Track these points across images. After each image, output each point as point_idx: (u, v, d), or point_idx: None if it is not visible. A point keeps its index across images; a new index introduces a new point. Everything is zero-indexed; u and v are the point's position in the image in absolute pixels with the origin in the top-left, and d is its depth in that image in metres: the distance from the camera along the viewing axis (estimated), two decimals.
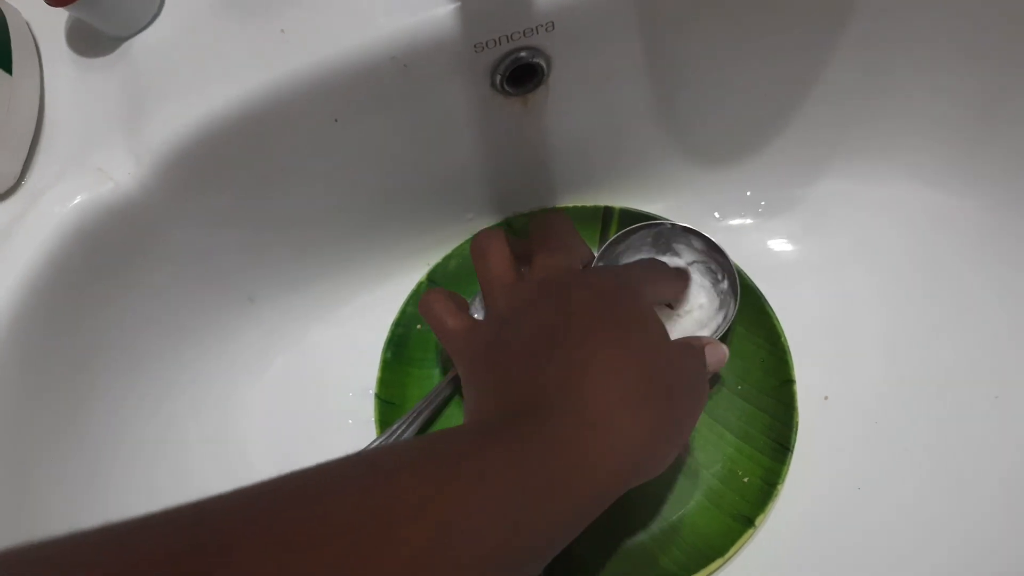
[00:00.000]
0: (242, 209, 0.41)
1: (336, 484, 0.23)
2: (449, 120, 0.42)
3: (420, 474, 0.24)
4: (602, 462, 0.28)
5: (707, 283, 0.45)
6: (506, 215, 0.50)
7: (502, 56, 0.38)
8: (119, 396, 0.41)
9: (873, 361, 0.45)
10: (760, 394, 0.44)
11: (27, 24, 0.40)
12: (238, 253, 0.44)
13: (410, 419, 0.43)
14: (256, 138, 0.38)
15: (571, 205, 0.50)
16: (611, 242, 0.45)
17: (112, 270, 0.38)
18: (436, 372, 0.47)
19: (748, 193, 0.50)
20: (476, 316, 0.41)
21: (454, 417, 0.45)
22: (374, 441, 0.43)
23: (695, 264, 0.46)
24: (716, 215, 0.50)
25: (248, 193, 0.41)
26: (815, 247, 0.49)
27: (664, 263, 0.41)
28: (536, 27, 0.37)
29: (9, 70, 0.37)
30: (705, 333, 0.44)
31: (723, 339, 0.44)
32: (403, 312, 0.47)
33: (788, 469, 0.41)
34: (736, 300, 0.43)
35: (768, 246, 0.49)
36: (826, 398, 0.44)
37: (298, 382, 0.48)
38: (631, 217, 0.48)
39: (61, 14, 0.40)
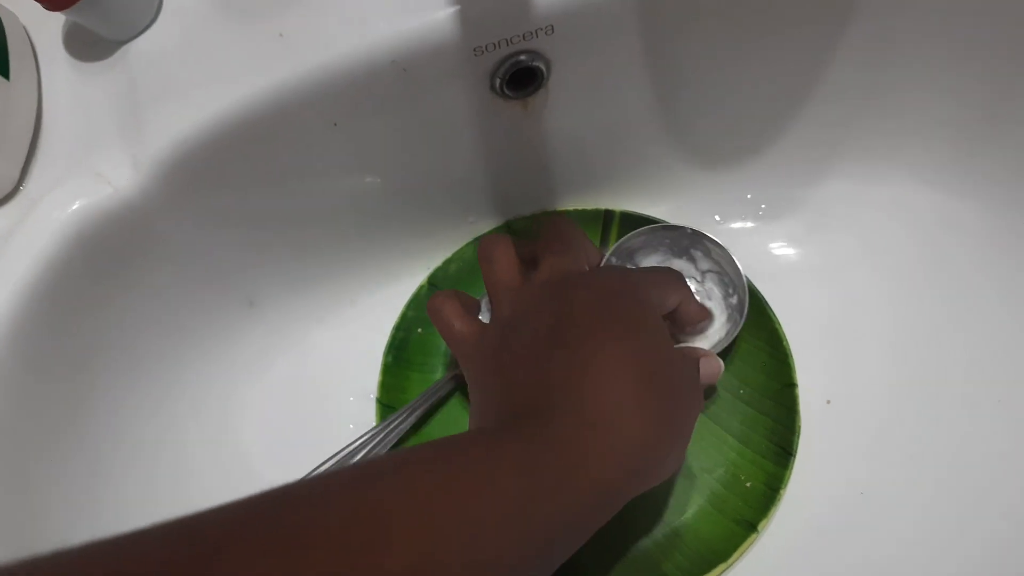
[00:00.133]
0: (241, 212, 0.41)
1: (333, 491, 0.23)
2: (449, 123, 0.41)
3: (418, 482, 0.24)
4: (603, 462, 0.28)
5: (718, 294, 0.45)
6: (507, 218, 0.50)
7: (502, 60, 0.38)
8: (119, 398, 0.41)
9: (875, 364, 0.45)
10: (762, 398, 0.44)
11: (24, 29, 0.40)
12: (238, 256, 0.44)
13: (407, 412, 0.43)
14: (255, 142, 0.37)
15: (572, 208, 0.50)
16: (628, 237, 0.45)
17: (112, 274, 0.38)
18: (437, 376, 0.46)
19: (749, 195, 0.50)
20: (484, 318, 0.40)
21: (452, 413, 0.45)
22: (371, 430, 0.42)
23: (710, 272, 0.46)
24: (717, 217, 0.50)
25: (247, 197, 0.41)
26: (817, 249, 0.49)
27: (676, 272, 0.40)
28: (536, 30, 0.37)
29: (7, 75, 0.37)
30: (704, 344, 0.44)
31: (724, 353, 0.44)
32: (404, 316, 0.47)
33: (791, 473, 0.41)
34: (742, 318, 0.43)
35: (769, 248, 0.49)
36: (828, 402, 0.44)
37: (298, 385, 0.48)
38: (632, 220, 0.48)
39: (58, 18, 0.40)
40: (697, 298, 0.44)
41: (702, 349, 0.40)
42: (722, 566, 0.39)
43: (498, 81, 0.39)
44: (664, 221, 0.47)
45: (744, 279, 0.43)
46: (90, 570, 0.19)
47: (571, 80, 0.41)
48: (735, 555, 0.39)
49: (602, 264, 0.45)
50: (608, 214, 0.49)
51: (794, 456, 0.41)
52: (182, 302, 0.42)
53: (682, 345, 0.42)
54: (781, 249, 0.49)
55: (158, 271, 0.40)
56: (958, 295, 0.45)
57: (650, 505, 0.42)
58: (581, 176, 0.49)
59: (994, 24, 0.40)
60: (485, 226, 0.50)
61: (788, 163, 0.49)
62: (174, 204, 0.38)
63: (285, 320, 0.48)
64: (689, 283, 0.46)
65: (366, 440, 0.42)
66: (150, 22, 0.38)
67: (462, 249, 0.49)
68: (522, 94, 0.41)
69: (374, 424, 0.44)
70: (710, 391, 0.45)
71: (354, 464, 0.26)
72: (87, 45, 0.39)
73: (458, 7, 0.36)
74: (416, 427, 0.44)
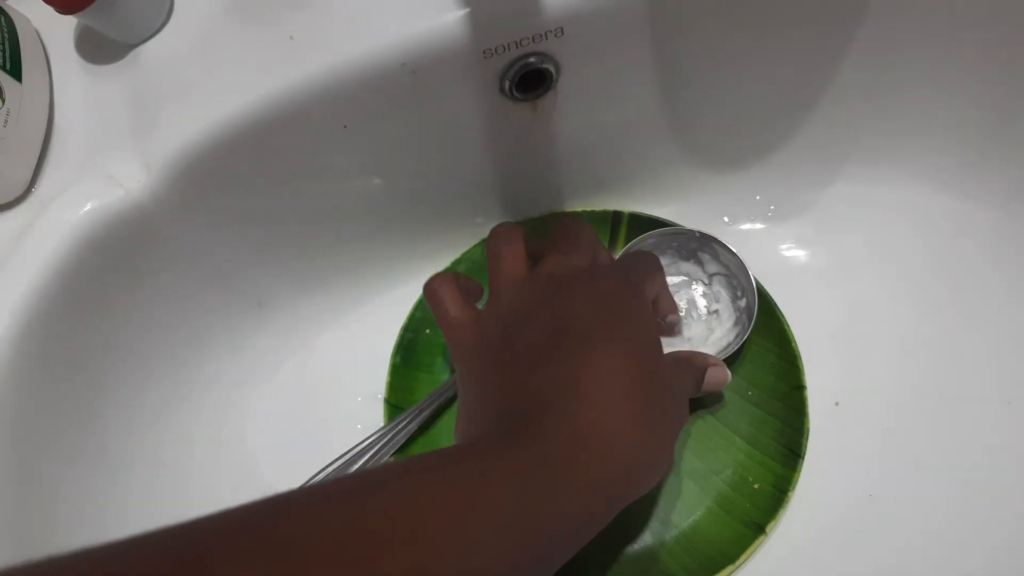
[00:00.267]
0: (251, 214, 0.42)
1: (329, 502, 0.23)
2: (458, 125, 0.42)
3: (413, 493, 0.24)
4: (596, 474, 0.28)
5: (726, 296, 0.45)
6: (515, 219, 0.50)
7: (511, 62, 0.38)
8: (127, 398, 0.41)
9: (884, 366, 0.45)
10: (771, 399, 0.44)
11: (36, 31, 0.40)
12: (247, 258, 0.44)
13: (415, 413, 0.43)
14: (265, 144, 0.38)
15: (580, 209, 0.50)
16: (637, 241, 0.46)
17: (121, 276, 0.38)
18: (445, 377, 0.46)
19: (758, 197, 0.50)
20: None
21: None
22: (377, 432, 0.43)
23: (717, 275, 0.46)
24: (726, 219, 0.50)
25: (257, 198, 0.41)
26: (826, 251, 0.49)
27: (657, 260, 0.40)
28: (545, 33, 0.37)
29: (19, 78, 0.37)
30: (712, 349, 0.44)
31: (734, 356, 0.44)
32: (412, 317, 0.47)
33: (799, 476, 0.41)
34: (751, 323, 0.43)
35: (778, 250, 0.49)
36: (837, 404, 0.44)
37: (307, 386, 0.48)
38: (640, 221, 0.48)
39: (70, 21, 0.40)
40: (674, 295, 0.45)
41: (712, 357, 0.40)
42: (730, 568, 0.39)
43: (507, 83, 0.39)
44: (673, 222, 0.47)
45: (753, 282, 0.43)
46: None
47: (580, 82, 0.41)
48: (743, 557, 0.39)
49: None
50: (616, 215, 0.49)
51: (802, 458, 0.41)
52: (191, 303, 0.43)
53: (690, 351, 0.42)
54: (790, 250, 0.49)
55: (168, 272, 0.40)
56: (967, 297, 0.45)
57: (657, 506, 0.42)
58: (589, 177, 0.49)
59: (1002, 23, 0.40)
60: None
61: (797, 164, 0.49)
62: (184, 206, 0.38)
63: (294, 321, 0.48)
64: (696, 286, 0.46)
65: (374, 441, 0.42)
66: (161, 25, 0.39)
67: (470, 250, 0.49)
68: (531, 96, 0.41)
69: (382, 425, 0.44)
70: (717, 397, 0.45)
71: (349, 474, 0.26)
72: (98, 48, 0.40)
73: (468, 9, 0.36)
74: (424, 428, 0.44)
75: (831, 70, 0.44)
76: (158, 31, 0.39)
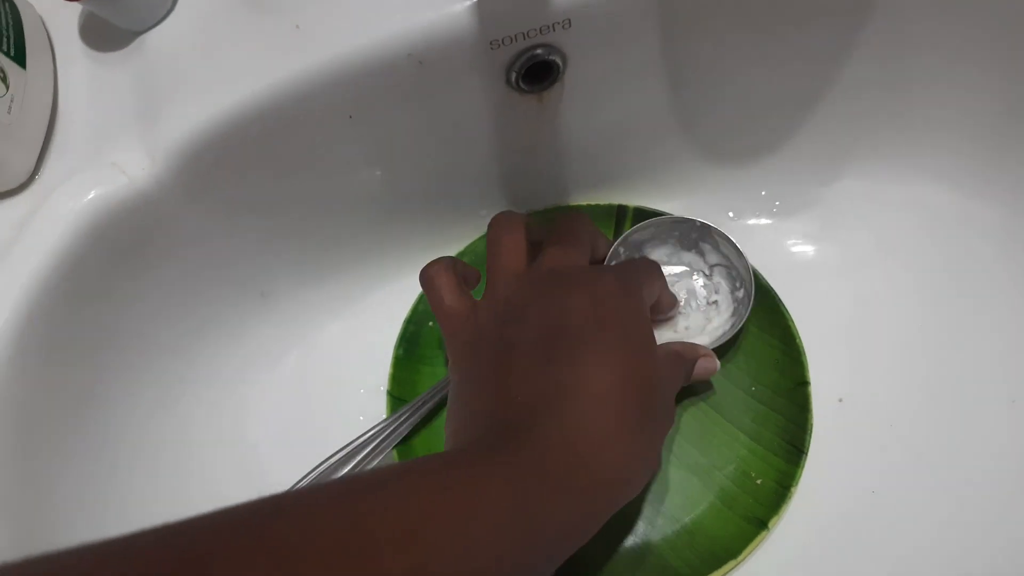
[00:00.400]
0: (255, 204, 0.41)
1: (330, 502, 0.23)
2: (464, 117, 0.41)
3: (412, 494, 0.24)
4: (590, 479, 0.28)
5: (726, 288, 0.45)
6: (520, 211, 0.50)
7: (518, 53, 0.38)
8: (128, 388, 0.41)
9: (888, 363, 0.45)
10: (774, 395, 0.44)
11: (41, 18, 0.40)
12: (251, 248, 0.44)
13: (417, 405, 0.43)
14: (270, 134, 0.37)
15: (585, 203, 0.50)
16: (637, 228, 0.45)
17: (125, 265, 0.38)
18: (447, 369, 0.46)
19: (763, 192, 0.50)
20: None
21: None
22: (379, 424, 0.42)
23: (718, 266, 0.46)
24: (731, 214, 0.50)
25: (261, 188, 0.41)
26: (832, 247, 0.48)
27: (656, 263, 0.40)
28: (553, 24, 0.37)
29: (23, 64, 0.37)
30: (707, 339, 0.44)
31: (729, 345, 0.44)
32: (415, 309, 0.47)
33: (802, 471, 0.41)
34: (747, 312, 0.43)
35: (784, 246, 0.49)
36: (841, 400, 0.44)
37: (310, 378, 0.48)
38: (645, 216, 0.48)
39: (75, 8, 0.40)
40: (673, 289, 0.45)
41: (702, 348, 0.40)
42: (732, 563, 0.39)
43: (514, 75, 0.39)
44: (677, 217, 0.47)
45: (751, 273, 0.43)
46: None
47: (587, 75, 0.41)
48: (745, 552, 0.39)
49: (609, 254, 0.45)
50: (621, 209, 0.49)
51: (805, 454, 0.41)
52: (194, 293, 0.42)
53: (682, 342, 0.42)
54: (795, 246, 0.49)
55: (171, 262, 0.40)
56: (972, 295, 0.45)
57: (660, 501, 0.42)
58: (595, 171, 0.48)
59: (1012, 20, 0.40)
60: None
61: (803, 160, 0.48)
62: (189, 195, 0.38)
63: (297, 312, 0.48)
64: (697, 276, 0.46)
65: (376, 433, 0.42)
66: (166, 13, 0.39)
67: (474, 243, 0.49)
68: (537, 88, 0.41)
69: (384, 416, 0.44)
70: (706, 386, 0.45)
71: (349, 475, 0.26)
72: (103, 35, 0.40)
73: (475, 0, 0.35)
74: (426, 420, 0.44)
75: (839, 66, 0.44)
76: (163, 18, 0.39)
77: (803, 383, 0.43)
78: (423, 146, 0.42)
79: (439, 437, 0.44)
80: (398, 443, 0.42)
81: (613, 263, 0.45)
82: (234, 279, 0.44)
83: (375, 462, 0.41)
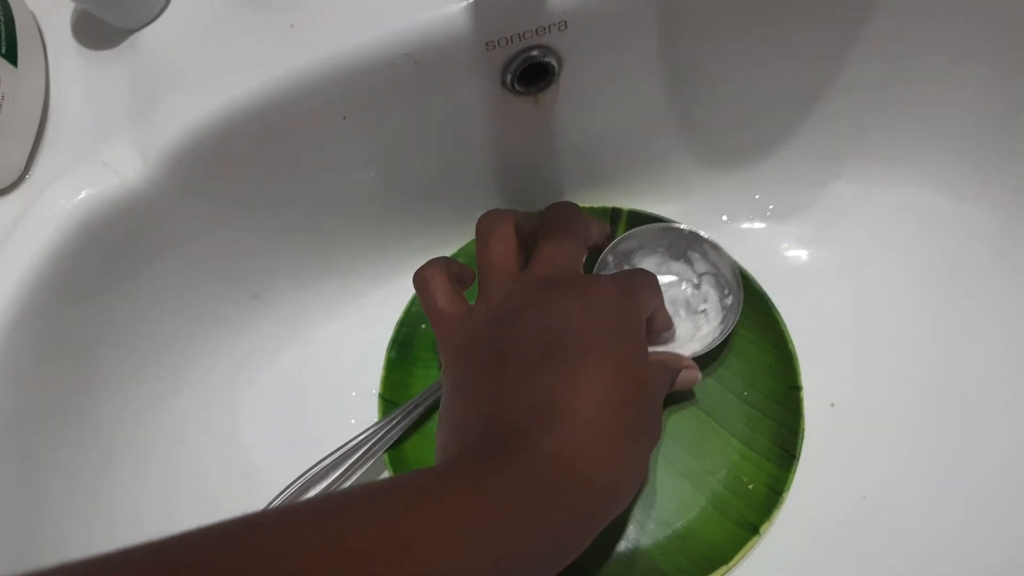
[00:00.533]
0: (248, 204, 0.41)
1: (316, 518, 0.23)
2: (458, 117, 0.41)
3: (404, 510, 0.24)
4: (582, 492, 0.28)
5: (714, 296, 0.45)
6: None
7: (514, 55, 0.38)
8: (122, 389, 0.41)
9: (881, 368, 0.45)
10: (767, 400, 0.44)
11: (33, 15, 0.40)
12: (244, 249, 0.43)
13: (409, 409, 0.43)
14: (263, 134, 0.37)
15: (580, 205, 0.49)
16: (624, 237, 0.45)
17: (116, 264, 0.38)
18: (440, 372, 0.46)
19: (757, 196, 0.50)
20: None
21: None
22: (371, 427, 0.42)
23: (706, 275, 0.46)
24: (725, 217, 0.50)
25: (255, 190, 0.40)
26: (825, 251, 0.49)
27: (655, 277, 0.40)
28: (549, 26, 0.37)
29: (15, 62, 0.37)
30: (697, 346, 0.44)
31: (719, 350, 0.44)
32: (408, 311, 0.47)
33: (794, 477, 0.41)
34: (735, 320, 0.43)
35: (777, 249, 0.49)
36: (833, 405, 0.44)
37: (302, 380, 0.48)
38: (639, 218, 0.48)
39: (68, 5, 0.40)
40: (670, 309, 0.45)
41: (686, 359, 0.41)
42: (723, 568, 0.39)
43: (509, 76, 0.39)
44: (671, 220, 0.47)
45: (739, 280, 0.43)
46: None
47: (582, 77, 0.41)
48: (736, 557, 0.39)
49: (597, 264, 0.45)
50: (616, 212, 0.49)
51: (797, 459, 0.41)
52: (186, 294, 0.42)
53: (667, 351, 0.42)
54: (789, 250, 0.49)
55: (163, 262, 0.40)
56: (966, 299, 0.45)
57: (652, 506, 0.42)
58: (590, 173, 0.48)
59: (1007, 26, 0.40)
60: None
61: (797, 164, 0.48)
62: (181, 195, 0.38)
63: (289, 313, 0.48)
64: (686, 286, 0.46)
65: (367, 437, 0.42)
66: (160, 11, 0.38)
67: (469, 244, 0.49)
68: (533, 90, 0.41)
69: (376, 420, 0.44)
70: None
71: (336, 492, 0.26)
72: (96, 33, 0.39)
73: (471, 1, 0.35)
74: (418, 424, 0.44)
75: (834, 70, 0.44)
76: (156, 17, 0.38)
77: (795, 388, 0.43)
78: (418, 147, 0.42)
79: (431, 441, 0.43)
80: (389, 447, 0.42)
81: (603, 273, 0.45)
82: (226, 279, 0.44)
83: (366, 466, 0.41)
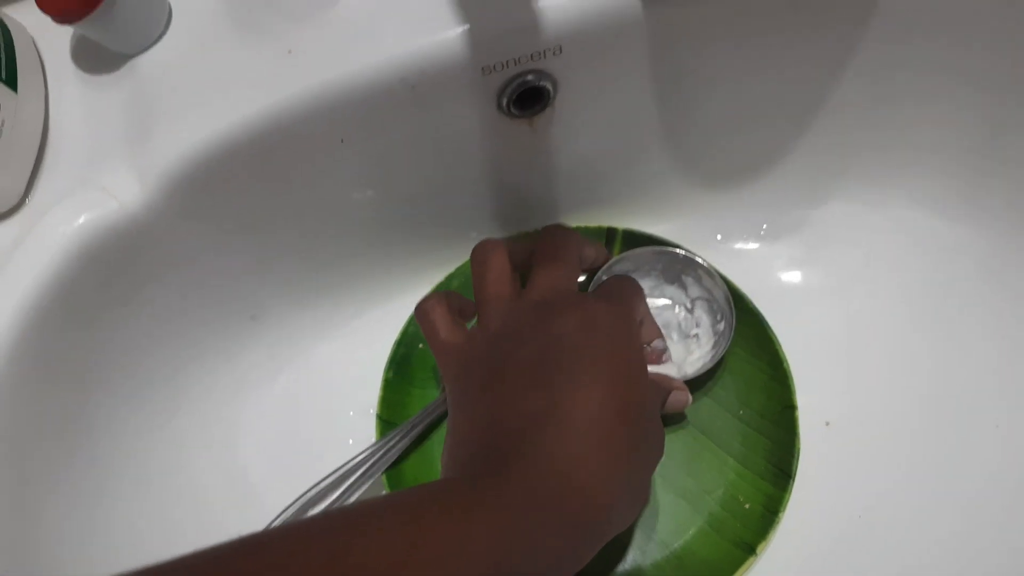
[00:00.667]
0: (246, 227, 0.41)
1: (314, 537, 0.23)
2: (455, 140, 0.42)
3: (400, 528, 0.24)
4: (579, 510, 0.28)
5: (707, 321, 0.46)
6: (510, 233, 0.50)
7: (509, 79, 0.38)
8: (120, 412, 0.41)
9: (875, 387, 0.45)
10: (762, 419, 0.44)
11: (32, 40, 0.40)
12: (241, 270, 0.44)
13: (406, 429, 0.43)
14: (261, 158, 0.37)
15: (575, 225, 0.50)
16: (619, 259, 0.46)
17: (115, 288, 0.38)
18: (438, 392, 0.46)
19: (751, 215, 0.50)
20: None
21: None
22: (369, 448, 0.42)
23: (699, 300, 0.46)
24: (719, 237, 0.50)
25: (253, 212, 0.41)
26: (818, 271, 0.49)
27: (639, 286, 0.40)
28: (544, 51, 0.37)
29: (15, 87, 0.37)
30: (689, 370, 0.44)
31: (712, 372, 0.45)
32: (405, 331, 0.47)
33: (789, 496, 0.41)
34: (727, 345, 0.44)
35: (771, 269, 0.49)
36: (828, 424, 0.44)
37: (299, 400, 0.48)
38: (634, 238, 0.48)
39: (66, 29, 0.40)
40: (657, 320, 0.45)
41: (676, 380, 0.41)
42: None
43: (505, 100, 0.39)
44: (666, 240, 0.47)
45: (732, 306, 0.44)
46: None
47: (577, 100, 0.41)
48: None
49: (593, 283, 0.45)
50: (611, 231, 0.49)
51: (793, 479, 0.41)
52: (185, 316, 0.42)
53: (657, 373, 0.42)
54: (782, 269, 0.49)
55: (161, 284, 0.40)
56: (957, 318, 0.46)
57: (649, 526, 0.42)
58: (585, 193, 0.49)
59: (995, 58, 0.40)
60: None
61: (789, 185, 0.49)
62: (179, 219, 0.38)
63: (287, 334, 0.48)
64: (679, 310, 0.47)
65: (365, 458, 0.42)
66: (158, 36, 0.38)
67: (465, 264, 0.49)
68: (528, 113, 0.41)
69: (374, 440, 0.44)
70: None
71: (333, 510, 0.26)
72: (95, 58, 0.39)
73: (468, 26, 0.36)
74: (416, 443, 0.44)
75: (824, 92, 0.44)
76: (155, 42, 0.38)
77: (790, 406, 0.43)
78: (415, 169, 0.42)
79: (429, 461, 0.44)
80: (387, 468, 0.42)
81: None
82: (224, 301, 0.44)
83: (364, 487, 0.41)
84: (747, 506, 0.42)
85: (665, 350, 0.44)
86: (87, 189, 0.36)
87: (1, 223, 0.37)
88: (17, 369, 0.34)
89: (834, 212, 0.49)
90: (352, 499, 0.41)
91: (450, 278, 0.49)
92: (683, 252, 0.46)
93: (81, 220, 0.35)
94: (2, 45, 0.37)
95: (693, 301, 0.46)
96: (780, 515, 0.41)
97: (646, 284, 0.47)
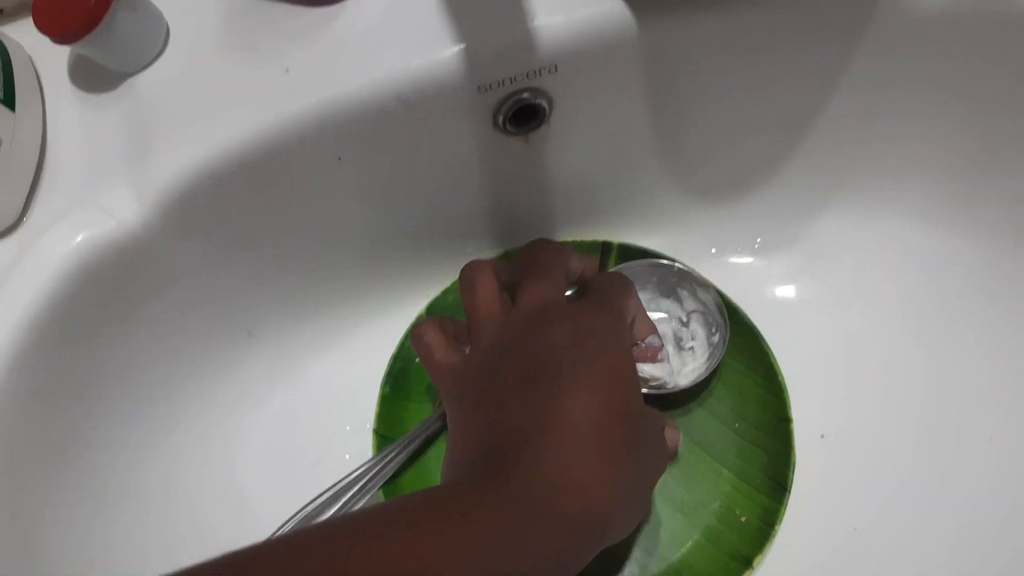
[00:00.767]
0: (243, 244, 0.42)
1: (310, 547, 0.23)
2: (451, 157, 0.42)
3: (396, 537, 0.24)
4: (570, 516, 0.28)
5: (702, 334, 0.46)
6: (506, 247, 0.50)
7: (505, 97, 0.39)
8: (117, 428, 0.41)
9: (870, 400, 0.45)
10: (757, 432, 0.44)
11: (30, 59, 0.40)
12: (238, 287, 0.44)
13: (403, 444, 0.43)
14: (258, 176, 0.38)
15: (571, 239, 0.50)
16: (615, 272, 0.46)
17: (113, 306, 0.38)
18: (434, 407, 0.46)
19: (745, 229, 0.51)
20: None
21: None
22: (365, 463, 0.42)
23: (695, 313, 0.46)
24: (713, 250, 0.51)
25: (249, 229, 0.41)
26: (812, 284, 0.49)
27: (630, 283, 0.40)
28: (539, 69, 0.38)
29: (12, 107, 0.37)
30: (681, 381, 0.44)
31: (707, 383, 0.45)
32: (402, 346, 0.47)
33: (785, 509, 0.41)
34: (720, 356, 0.44)
35: (766, 282, 0.50)
36: (823, 436, 0.45)
37: (296, 415, 0.48)
38: (630, 252, 0.49)
39: (64, 48, 0.40)
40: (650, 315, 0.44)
41: (667, 419, 0.40)
42: None
43: (501, 117, 0.40)
44: (661, 253, 0.48)
45: (726, 320, 0.44)
46: None
47: (572, 117, 0.41)
48: None
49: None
50: (606, 246, 0.50)
51: (788, 491, 0.42)
52: (183, 332, 0.42)
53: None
54: (777, 283, 0.50)
55: (159, 302, 0.40)
56: (952, 330, 0.46)
57: (646, 539, 0.42)
58: (580, 208, 0.49)
59: (985, 75, 0.41)
60: (484, 255, 0.50)
61: (783, 198, 0.49)
62: (177, 237, 0.38)
63: (284, 350, 0.48)
64: (675, 323, 0.47)
65: (361, 473, 0.42)
66: (156, 55, 0.39)
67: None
68: (524, 130, 0.41)
69: (371, 455, 0.44)
70: (703, 428, 0.45)
71: (328, 520, 0.26)
72: (93, 77, 0.40)
73: (464, 46, 0.36)
74: (413, 458, 0.44)
75: (817, 106, 0.45)
76: (153, 61, 0.39)
77: (785, 419, 0.43)
78: (411, 185, 0.43)
79: (426, 476, 0.44)
80: (384, 483, 0.42)
81: None
82: (221, 317, 0.44)
83: (361, 503, 0.41)
84: (743, 519, 0.42)
85: (661, 347, 0.43)
86: (85, 207, 0.36)
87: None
88: (16, 386, 0.34)
89: (828, 225, 0.50)
90: None
91: (446, 292, 0.49)
92: (678, 265, 0.46)
93: (79, 238, 0.35)
94: (0, 64, 0.37)
95: (688, 314, 0.47)
96: (776, 528, 0.41)
97: (642, 296, 0.47)
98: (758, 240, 0.50)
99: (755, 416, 0.45)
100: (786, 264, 0.50)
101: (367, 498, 0.41)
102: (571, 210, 0.49)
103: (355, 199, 0.42)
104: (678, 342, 0.47)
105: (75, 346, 0.37)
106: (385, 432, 0.45)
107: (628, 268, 0.46)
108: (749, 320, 0.46)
